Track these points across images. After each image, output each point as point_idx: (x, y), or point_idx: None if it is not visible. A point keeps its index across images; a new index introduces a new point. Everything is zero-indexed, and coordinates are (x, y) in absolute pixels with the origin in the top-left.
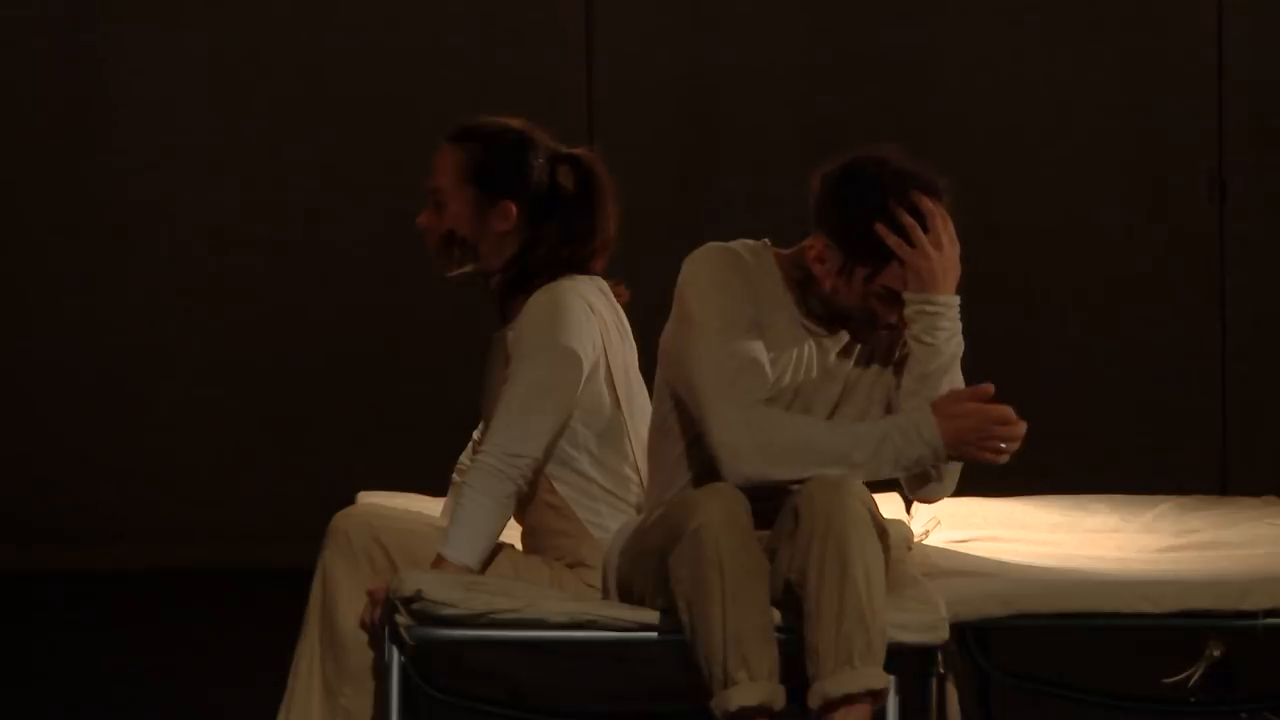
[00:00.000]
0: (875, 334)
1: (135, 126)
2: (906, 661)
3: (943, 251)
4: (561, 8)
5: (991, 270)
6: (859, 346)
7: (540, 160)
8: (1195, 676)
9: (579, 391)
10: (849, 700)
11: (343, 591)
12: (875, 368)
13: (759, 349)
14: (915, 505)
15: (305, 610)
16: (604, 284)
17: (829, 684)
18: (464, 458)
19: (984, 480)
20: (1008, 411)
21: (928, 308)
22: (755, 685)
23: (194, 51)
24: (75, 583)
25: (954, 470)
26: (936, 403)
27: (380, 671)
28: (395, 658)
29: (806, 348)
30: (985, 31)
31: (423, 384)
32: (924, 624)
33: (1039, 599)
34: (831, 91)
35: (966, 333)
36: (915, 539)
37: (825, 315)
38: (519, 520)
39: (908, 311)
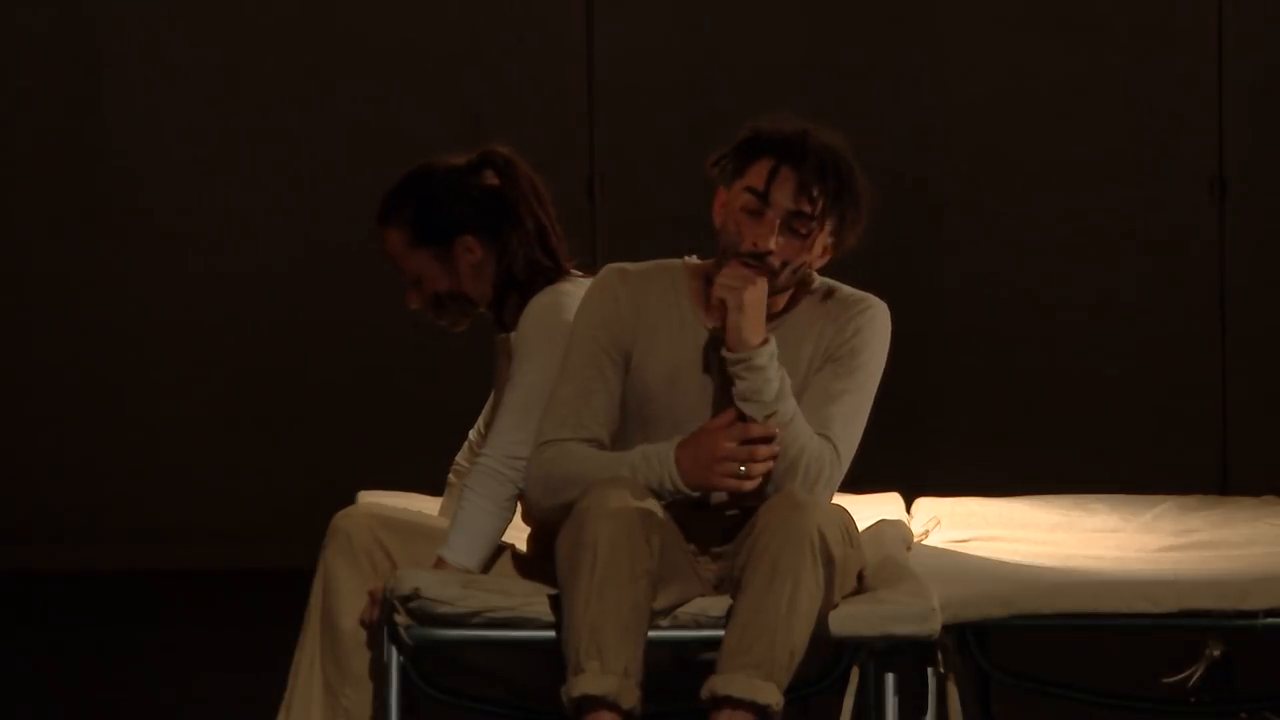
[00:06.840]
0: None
1: (132, 129)
2: (905, 659)
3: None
4: (561, 8)
5: (991, 270)
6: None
7: (457, 181)
8: (1195, 676)
9: None
10: (730, 703)
11: (343, 591)
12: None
13: (590, 381)
14: (915, 505)
15: (305, 610)
16: None
17: (717, 680)
18: (460, 458)
19: (984, 480)
20: (743, 434)
21: (740, 366)
22: (605, 677)
23: (193, 55)
24: (74, 583)
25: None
26: (690, 434)
27: (380, 671)
28: (394, 657)
29: (692, 339)
30: (985, 32)
31: (422, 384)
32: (914, 614)
33: (1039, 599)
34: (831, 93)
35: (966, 331)
36: (915, 539)
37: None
38: (525, 522)
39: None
